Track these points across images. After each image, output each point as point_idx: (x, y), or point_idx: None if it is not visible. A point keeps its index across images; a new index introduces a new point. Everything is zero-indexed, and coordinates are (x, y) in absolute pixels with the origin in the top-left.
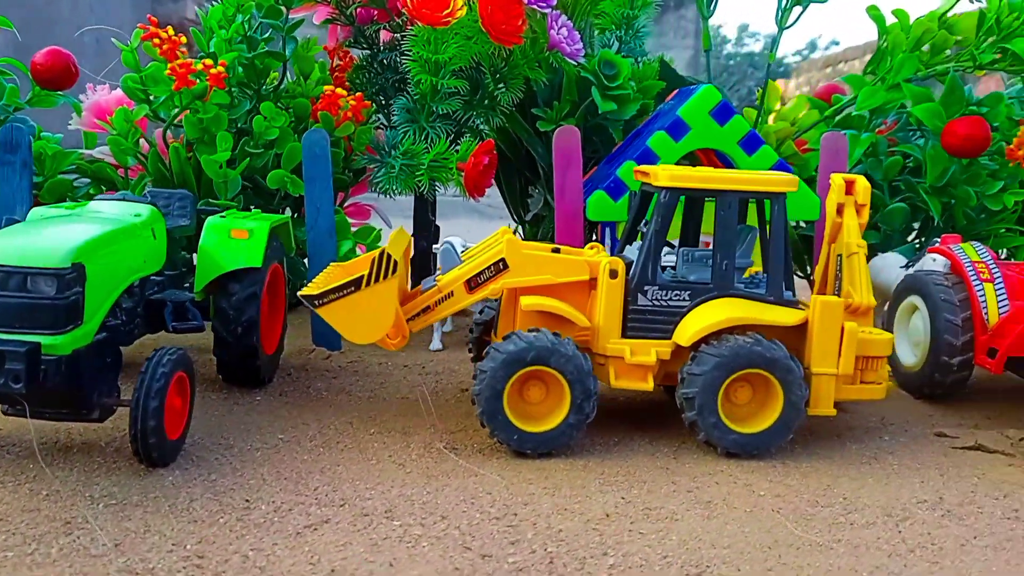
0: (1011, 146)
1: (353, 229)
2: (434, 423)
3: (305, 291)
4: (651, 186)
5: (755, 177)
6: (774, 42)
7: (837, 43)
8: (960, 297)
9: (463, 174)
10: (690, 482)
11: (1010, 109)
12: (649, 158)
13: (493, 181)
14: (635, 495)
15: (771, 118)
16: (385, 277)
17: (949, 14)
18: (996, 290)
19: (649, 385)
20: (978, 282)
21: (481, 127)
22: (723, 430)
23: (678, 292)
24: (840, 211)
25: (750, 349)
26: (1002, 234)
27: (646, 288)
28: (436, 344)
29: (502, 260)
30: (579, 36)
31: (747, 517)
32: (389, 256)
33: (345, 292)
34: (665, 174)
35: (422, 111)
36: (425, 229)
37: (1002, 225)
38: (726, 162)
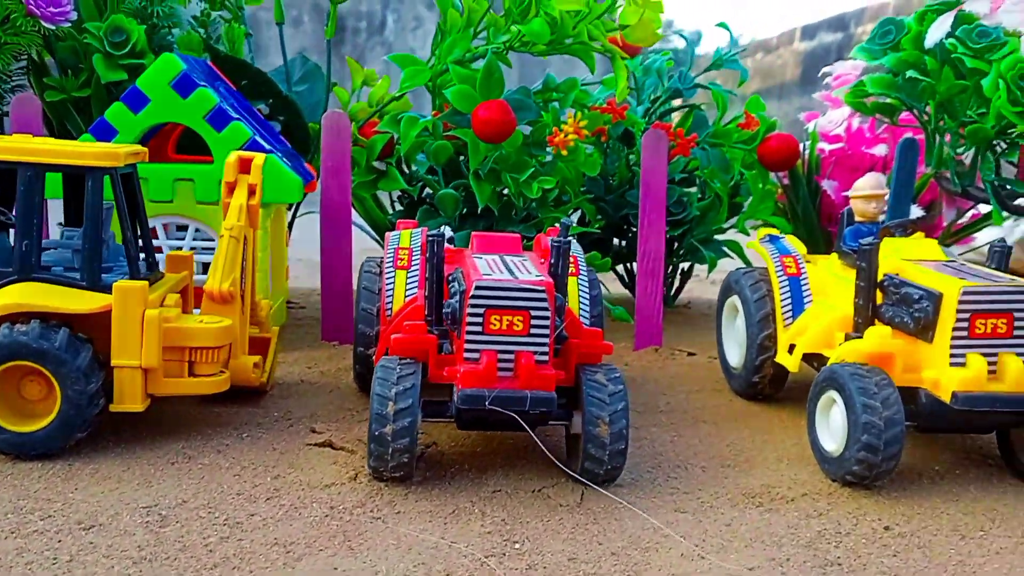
0: (551, 135)
1: None
2: None
3: None
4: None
5: (61, 148)
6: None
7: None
8: (379, 286)
9: None
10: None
11: (584, 96)
12: (106, 131)
13: None
14: None
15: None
16: None
17: None
18: (408, 277)
19: None
20: (391, 270)
21: None
22: None
23: None
24: (232, 191)
25: (14, 339)
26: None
27: None
28: None
29: None
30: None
31: None
32: None
33: None
34: None
35: None
36: None
37: (561, 213)
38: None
